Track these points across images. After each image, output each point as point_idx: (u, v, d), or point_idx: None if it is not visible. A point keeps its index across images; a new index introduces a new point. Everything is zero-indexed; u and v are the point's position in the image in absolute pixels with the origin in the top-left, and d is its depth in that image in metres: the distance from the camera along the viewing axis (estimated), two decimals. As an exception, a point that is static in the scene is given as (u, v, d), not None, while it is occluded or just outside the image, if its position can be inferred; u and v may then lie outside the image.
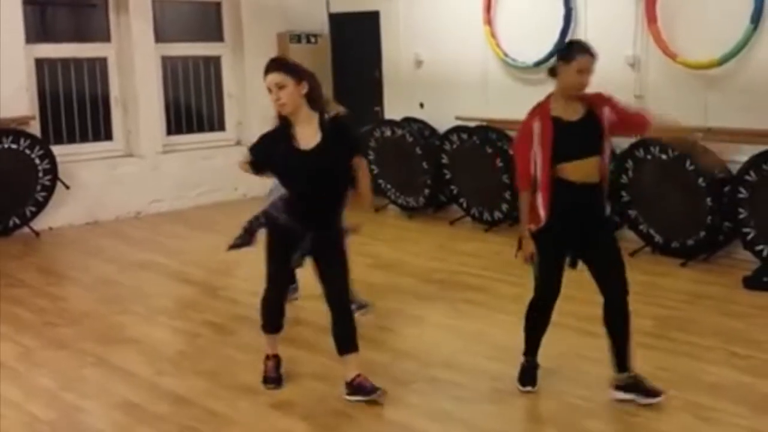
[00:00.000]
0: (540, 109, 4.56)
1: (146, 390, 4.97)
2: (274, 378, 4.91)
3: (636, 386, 4.48)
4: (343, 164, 4.66)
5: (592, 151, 4.50)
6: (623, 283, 4.54)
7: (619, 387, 4.53)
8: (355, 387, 4.61)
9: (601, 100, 4.64)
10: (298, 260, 4.76)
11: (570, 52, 4.56)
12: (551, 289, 4.68)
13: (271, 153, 4.63)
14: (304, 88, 4.53)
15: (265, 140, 4.74)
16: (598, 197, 4.59)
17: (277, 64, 4.64)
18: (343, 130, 4.75)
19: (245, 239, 5.00)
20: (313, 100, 4.61)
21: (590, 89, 8.17)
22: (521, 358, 4.82)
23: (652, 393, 4.46)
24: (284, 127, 4.60)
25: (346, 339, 4.67)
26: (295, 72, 4.55)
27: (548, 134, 4.43)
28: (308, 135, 4.54)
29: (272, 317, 4.91)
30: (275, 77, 4.50)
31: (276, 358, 4.97)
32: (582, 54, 4.50)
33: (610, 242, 4.63)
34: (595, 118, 4.55)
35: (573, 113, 4.53)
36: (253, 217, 4.91)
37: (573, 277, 7.03)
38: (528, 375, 4.79)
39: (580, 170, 4.45)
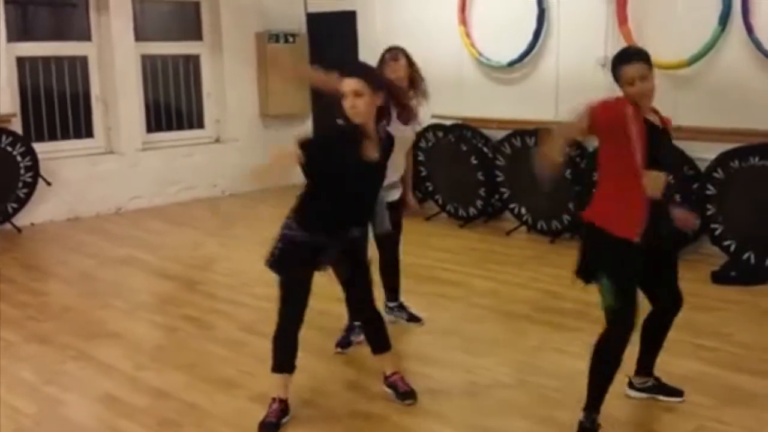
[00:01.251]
0: (626, 104, 3.93)
1: (127, 384, 4.96)
2: (272, 424, 4.26)
3: (659, 388, 4.43)
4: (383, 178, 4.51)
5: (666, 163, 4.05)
6: (680, 296, 4.23)
7: (640, 389, 4.44)
8: (390, 383, 4.62)
9: (664, 118, 4.17)
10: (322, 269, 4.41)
11: (616, 68, 4.01)
12: (634, 314, 3.99)
13: (329, 155, 4.15)
14: (379, 100, 4.21)
15: (327, 141, 4.35)
16: (666, 212, 4.10)
17: (357, 70, 4.31)
18: (391, 146, 4.44)
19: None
20: (381, 112, 4.30)
21: (564, 90, 8.35)
22: (579, 414, 4.03)
23: (675, 392, 4.43)
24: (353, 132, 4.20)
25: (380, 340, 4.61)
26: (374, 82, 4.22)
27: (642, 133, 3.89)
28: (370, 147, 4.22)
29: (286, 354, 4.33)
30: (353, 83, 4.15)
31: (283, 404, 4.34)
32: (625, 63, 3.97)
33: (669, 253, 4.26)
34: (667, 129, 4.14)
35: (653, 117, 4.07)
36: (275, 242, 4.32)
37: (548, 272, 7.11)
38: None
39: (656, 181, 3.89)
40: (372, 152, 4.21)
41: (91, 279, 7.26)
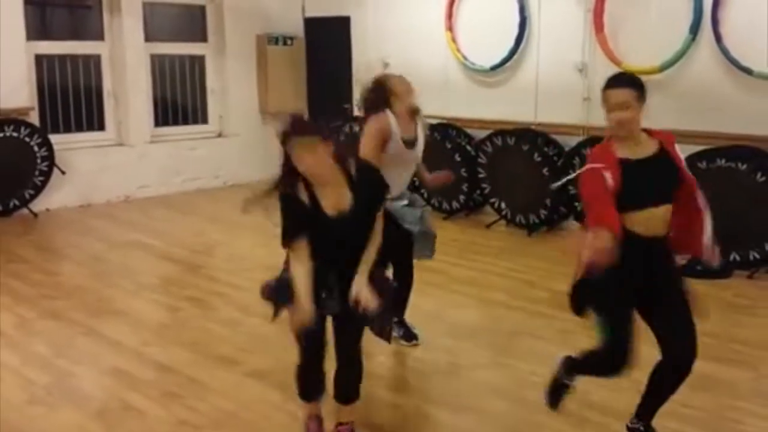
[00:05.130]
0: (601, 152, 3.46)
1: (132, 358, 4.96)
2: None
3: None
4: (372, 221, 3.63)
5: (664, 197, 3.46)
6: (693, 344, 3.52)
7: (630, 429, 3.79)
8: None
9: (669, 138, 3.60)
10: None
11: (603, 93, 3.47)
12: (625, 355, 3.48)
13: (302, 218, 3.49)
14: (329, 149, 3.44)
15: (290, 212, 3.50)
16: (666, 251, 3.61)
17: (302, 127, 3.49)
18: (374, 176, 3.66)
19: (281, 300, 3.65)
20: (340, 157, 3.51)
21: (543, 93, 8.34)
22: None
23: None
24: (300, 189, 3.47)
25: (352, 388, 3.86)
26: (320, 131, 3.46)
27: (616, 179, 3.34)
28: (333, 196, 3.49)
29: (312, 384, 3.86)
30: (305, 140, 3.37)
31: (318, 419, 3.93)
32: (608, 89, 3.45)
33: (678, 296, 3.62)
34: (668, 155, 3.50)
35: (640, 152, 3.47)
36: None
37: (525, 263, 7.12)
38: None
39: (650, 221, 3.43)
40: (339, 202, 3.49)
41: (101, 261, 7.25)
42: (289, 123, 3.45)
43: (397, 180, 4.66)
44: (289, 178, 3.45)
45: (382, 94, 4.72)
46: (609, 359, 3.52)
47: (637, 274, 3.43)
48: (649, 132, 3.55)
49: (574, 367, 3.76)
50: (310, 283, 3.43)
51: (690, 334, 3.52)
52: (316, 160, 3.36)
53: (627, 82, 3.48)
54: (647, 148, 3.48)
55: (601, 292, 3.43)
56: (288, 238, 3.48)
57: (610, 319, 3.47)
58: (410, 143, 4.76)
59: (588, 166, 3.44)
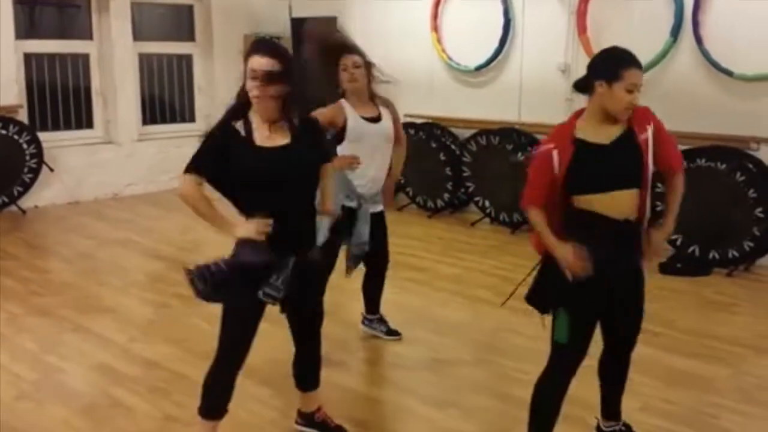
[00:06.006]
0: (559, 131, 3.36)
1: (120, 354, 4.95)
2: None
3: None
4: (315, 170, 3.43)
5: (626, 182, 3.28)
6: (634, 339, 3.55)
7: None
8: (320, 420, 3.84)
9: (644, 116, 3.31)
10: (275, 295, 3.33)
11: (616, 68, 3.21)
12: (580, 349, 3.37)
13: (223, 155, 3.27)
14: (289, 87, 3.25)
15: (210, 139, 3.34)
16: (635, 240, 3.39)
17: (268, 48, 3.27)
18: (315, 129, 3.52)
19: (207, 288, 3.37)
20: (290, 102, 3.29)
21: (526, 93, 8.36)
22: None
23: None
24: (234, 120, 3.29)
25: (314, 376, 3.78)
26: (290, 63, 3.27)
27: (565, 159, 3.22)
28: (270, 136, 3.29)
29: (220, 398, 3.45)
30: (265, 62, 3.17)
31: None
32: (631, 67, 3.23)
33: (637, 294, 3.45)
34: (633, 140, 3.27)
35: (604, 135, 3.27)
36: (204, 266, 3.36)
37: (508, 260, 7.14)
38: None
39: (613, 205, 3.26)
40: (275, 139, 3.27)
41: (89, 258, 7.22)
42: (256, 40, 3.35)
43: (378, 159, 4.72)
44: (238, 109, 3.29)
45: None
46: (564, 363, 3.39)
47: (609, 256, 3.25)
48: None
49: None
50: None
51: (636, 330, 3.52)
52: (265, 90, 3.17)
53: (639, 63, 3.27)
54: (614, 131, 3.27)
55: (573, 290, 3.27)
56: (193, 166, 3.28)
57: (577, 319, 3.31)
58: (371, 120, 4.72)
59: (542, 146, 3.37)
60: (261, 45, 3.29)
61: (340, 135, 4.61)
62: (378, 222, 4.86)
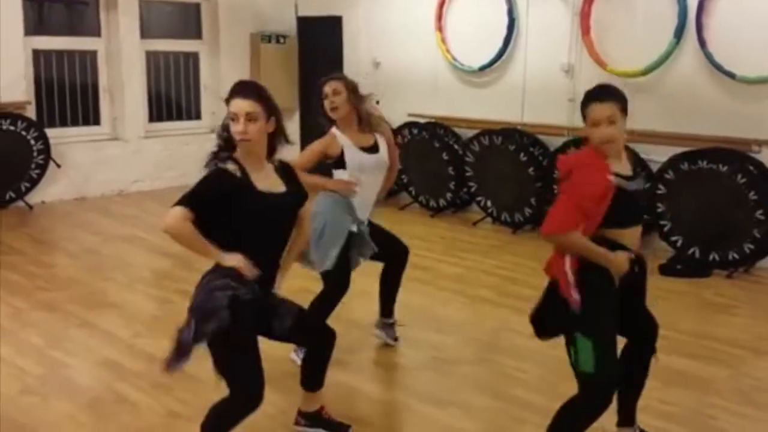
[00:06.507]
0: (597, 160, 3.21)
1: (125, 350, 4.95)
2: None
3: None
4: (296, 212, 3.47)
5: (642, 217, 3.45)
6: (654, 321, 3.59)
7: None
8: (325, 418, 3.83)
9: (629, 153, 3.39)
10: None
11: (582, 109, 3.23)
12: (612, 372, 3.21)
13: (222, 198, 3.21)
14: (271, 126, 3.31)
15: (212, 184, 3.26)
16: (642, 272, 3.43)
17: (250, 90, 3.32)
18: (294, 175, 3.49)
19: (182, 352, 3.35)
20: (275, 141, 3.38)
21: (530, 94, 8.34)
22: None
23: None
24: (231, 163, 3.27)
25: (321, 374, 3.75)
26: (268, 104, 3.30)
27: (610, 195, 3.15)
28: (265, 179, 3.31)
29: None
30: (246, 105, 3.23)
31: None
32: (590, 103, 3.19)
33: (642, 302, 3.54)
34: (642, 171, 3.37)
35: (622, 167, 3.26)
36: (185, 325, 3.36)
37: (510, 260, 7.13)
38: None
39: (633, 238, 3.33)
40: (269, 184, 3.32)
41: (95, 254, 7.22)
42: (236, 84, 3.35)
43: (374, 185, 4.65)
44: (224, 150, 3.31)
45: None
46: (597, 395, 3.18)
47: (627, 289, 3.30)
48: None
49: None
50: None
51: (654, 334, 3.56)
52: (249, 127, 3.20)
53: (612, 95, 3.21)
54: (629, 164, 3.33)
55: (594, 315, 3.17)
56: (189, 202, 3.21)
57: (602, 342, 3.15)
58: (368, 149, 4.57)
59: (594, 173, 3.19)
60: (240, 88, 3.32)
61: (339, 161, 4.53)
62: (373, 230, 4.75)
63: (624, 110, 3.22)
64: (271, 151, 3.38)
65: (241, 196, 3.21)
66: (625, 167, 3.28)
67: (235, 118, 3.23)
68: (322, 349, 3.67)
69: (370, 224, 4.76)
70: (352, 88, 4.52)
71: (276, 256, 3.41)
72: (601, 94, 3.22)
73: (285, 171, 3.43)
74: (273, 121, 3.31)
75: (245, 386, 3.27)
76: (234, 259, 3.22)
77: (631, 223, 3.33)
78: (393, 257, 4.89)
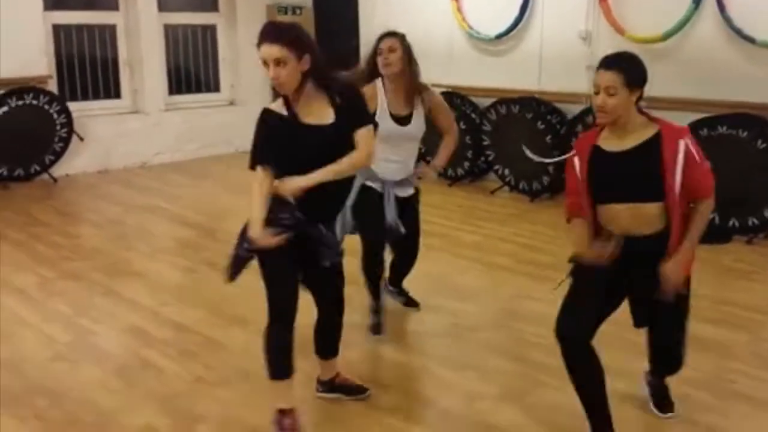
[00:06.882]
0: (584, 138, 3.31)
1: (150, 318, 5.00)
2: None
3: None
4: (351, 139, 3.36)
5: (642, 194, 3.14)
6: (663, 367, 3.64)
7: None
8: (341, 382, 3.91)
9: (678, 131, 3.13)
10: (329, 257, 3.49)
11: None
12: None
13: (272, 134, 3.34)
14: (306, 64, 3.23)
15: (260, 126, 3.38)
16: (652, 255, 3.19)
17: (275, 33, 3.22)
18: (353, 101, 3.41)
19: (233, 265, 3.50)
20: (317, 77, 3.31)
21: (547, 62, 8.25)
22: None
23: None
24: (279, 102, 3.38)
25: (334, 343, 3.81)
26: (298, 44, 3.20)
27: (584, 168, 3.21)
28: (314, 112, 3.32)
29: (280, 357, 3.41)
30: (272, 50, 3.17)
31: (293, 416, 3.47)
32: (598, 69, 3.13)
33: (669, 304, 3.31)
34: (656, 149, 3.07)
35: (621, 142, 3.16)
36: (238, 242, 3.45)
37: (527, 228, 7.12)
38: None
39: (617, 219, 3.19)
40: (320, 116, 3.32)
41: (119, 224, 7.27)
42: (262, 27, 3.28)
43: (392, 152, 4.42)
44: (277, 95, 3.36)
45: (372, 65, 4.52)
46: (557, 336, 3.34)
47: (614, 275, 3.22)
48: (656, 121, 3.18)
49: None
50: (263, 215, 3.28)
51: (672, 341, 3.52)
52: (279, 72, 3.18)
53: (617, 64, 3.10)
54: (636, 139, 3.14)
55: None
56: (256, 160, 3.34)
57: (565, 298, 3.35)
58: (400, 120, 4.45)
59: (570, 153, 3.33)
60: (266, 33, 3.24)
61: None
62: (406, 207, 4.59)
63: (630, 84, 3.08)
64: (321, 83, 3.31)
65: (286, 130, 3.29)
66: (627, 143, 3.15)
67: (264, 63, 3.22)
68: (333, 316, 3.72)
69: (409, 201, 4.63)
70: (407, 48, 4.47)
71: (323, 186, 3.30)
72: (609, 61, 3.13)
73: (342, 99, 3.35)
74: (307, 59, 3.22)
75: (273, 305, 3.38)
76: (282, 185, 3.29)
77: (606, 199, 3.20)
78: (401, 250, 4.84)
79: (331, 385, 3.90)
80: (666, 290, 3.18)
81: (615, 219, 3.21)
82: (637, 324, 3.48)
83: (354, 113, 3.37)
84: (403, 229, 4.50)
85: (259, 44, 3.23)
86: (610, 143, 3.19)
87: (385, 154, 4.31)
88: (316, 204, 3.34)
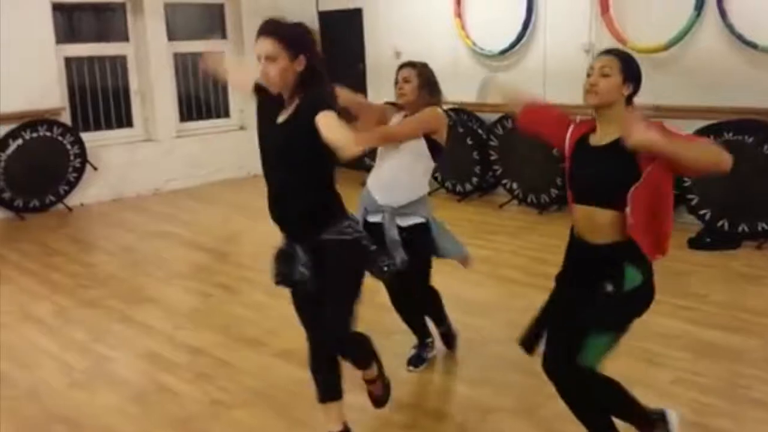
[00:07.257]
0: (579, 123, 3.14)
1: (166, 342, 5.01)
2: None
3: None
4: (311, 141, 2.88)
5: (602, 197, 2.88)
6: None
7: None
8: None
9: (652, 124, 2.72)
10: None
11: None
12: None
13: (259, 106, 3.30)
14: (300, 65, 3.06)
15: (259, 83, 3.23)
16: (605, 265, 2.95)
17: (271, 27, 3.13)
18: (315, 104, 2.93)
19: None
20: (309, 80, 3.07)
21: (551, 75, 8.24)
22: None
23: None
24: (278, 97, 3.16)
25: (337, 385, 3.41)
26: (293, 42, 3.07)
27: (570, 150, 3.07)
28: (286, 110, 3.13)
29: (322, 379, 3.33)
30: (264, 44, 3.05)
31: None
32: (597, 56, 3.05)
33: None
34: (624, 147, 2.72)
35: (602, 137, 2.95)
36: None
37: (537, 240, 7.10)
38: None
39: (580, 221, 3.01)
40: (286, 116, 3.12)
41: (133, 251, 7.29)
42: (262, 22, 3.15)
43: (392, 170, 4.33)
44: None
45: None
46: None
47: (571, 281, 3.14)
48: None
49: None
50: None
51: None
52: (269, 68, 3.02)
53: (616, 52, 3.02)
54: (613, 135, 2.88)
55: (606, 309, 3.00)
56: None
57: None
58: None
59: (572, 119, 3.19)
60: (263, 27, 3.13)
61: None
62: (410, 238, 4.24)
63: (625, 72, 2.93)
64: (302, 86, 3.06)
65: (259, 120, 3.25)
66: (605, 137, 2.94)
67: (258, 60, 3.07)
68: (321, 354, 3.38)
69: (414, 231, 4.31)
70: (424, 78, 4.42)
71: (290, 200, 3.17)
72: (607, 50, 3.11)
73: (305, 99, 3.04)
74: (302, 60, 3.04)
75: (307, 332, 3.36)
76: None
77: (576, 197, 3.02)
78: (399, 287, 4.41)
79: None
80: (626, 133, 2.69)
81: (574, 219, 3.06)
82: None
83: (299, 117, 3.01)
84: (398, 264, 3.94)
85: (256, 38, 3.12)
86: (594, 137, 3.01)
87: (379, 171, 4.31)
88: (293, 220, 3.26)
